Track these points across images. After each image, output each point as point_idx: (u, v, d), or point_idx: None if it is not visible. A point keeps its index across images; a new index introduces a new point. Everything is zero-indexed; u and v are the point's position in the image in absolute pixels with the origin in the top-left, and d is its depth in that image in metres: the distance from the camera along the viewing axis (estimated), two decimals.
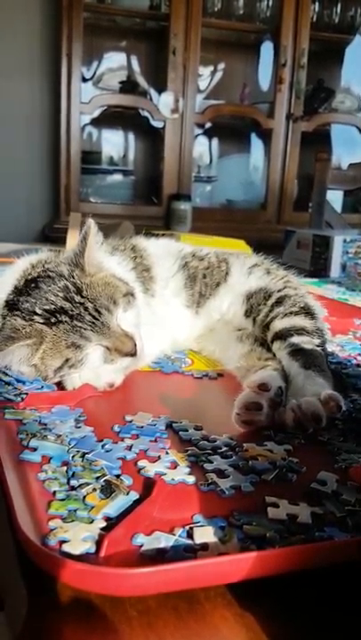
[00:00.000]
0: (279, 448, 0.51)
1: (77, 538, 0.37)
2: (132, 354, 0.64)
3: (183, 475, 0.46)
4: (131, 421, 0.56)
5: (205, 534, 0.39)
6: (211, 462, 0.48)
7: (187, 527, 0.39)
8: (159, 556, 0.36)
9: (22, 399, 0.59)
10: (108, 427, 0.54)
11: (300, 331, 0.70)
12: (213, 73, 3.07)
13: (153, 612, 0.32)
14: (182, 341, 0.82)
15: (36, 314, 0.63)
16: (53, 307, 0.63)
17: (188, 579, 0.34)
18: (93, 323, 0.63)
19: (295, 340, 0.68)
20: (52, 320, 0.63)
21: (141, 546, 0.37)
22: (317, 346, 0.68)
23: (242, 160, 3.19)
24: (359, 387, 0.68)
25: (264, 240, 2.44)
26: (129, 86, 2.90)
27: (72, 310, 0.63)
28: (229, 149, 3.21)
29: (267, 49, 2.97)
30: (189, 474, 0.46)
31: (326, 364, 0.67)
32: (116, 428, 0.54)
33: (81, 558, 0.35)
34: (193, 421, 0.56)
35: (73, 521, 0.39)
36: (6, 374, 0.64)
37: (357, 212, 3.07)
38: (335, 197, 2.83)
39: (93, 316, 0.63)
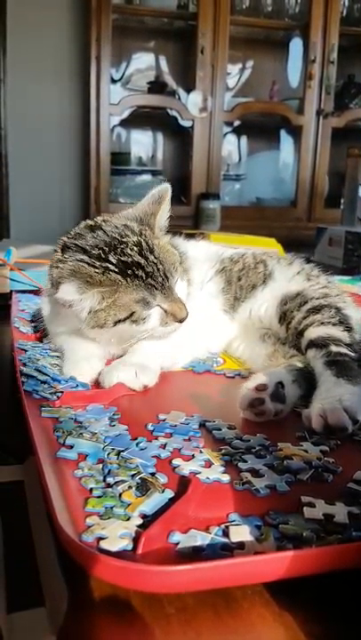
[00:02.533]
0: (315, 448, 0.51)
1: (114, 535, 0.38)
2: (183, 320, 0.68)
3: (218, 473, 0.46)
4: (164, 420, 0.56)
5: (241, 533, 0.39)
6: (245, 461, 0.48)
7: (222, 526, 0.39)
8: (195, 554, 0.37)
9: (58, 397, 0.60)
10: (142, 425, 0.55)
11: (337, 342, 0.68)
12: (242, 71, 3.06)
13: (190, 610, 0.33)
14: (216, 346, 0.81)
15: (111, 263, 0.65)
16: (130, 260, 0.65)
17: (226, 577, 0.34)
18: (162, 284, 0.66)
19: (332, 349, 0.66)
20: (128, 272, 0.65)
21: (177, 544, 0.37)
22: (353, 360, 0.66)
23: (271, 157, 3.17)
24: None
25: (295, 238, 2.43)
26: (157, 86, 2.91)
27: (147, 267, 0.66)
28: (258, 147, 3.20)
29: (296, 45, 2.95)
30: (224, 473, 0.46)
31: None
32: (150, 427, 0.54)
33: (118, 555, 0.36)
34: (226, 421, 0.56)
35: (110, 518, 0.40)
36: (43, 373, 0.65)
37: None
38: None
39: (163, 278, 0.66)
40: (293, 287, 0.79)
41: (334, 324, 0.71)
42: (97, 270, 0.64)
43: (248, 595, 0.34)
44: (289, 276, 0.83)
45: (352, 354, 0.67)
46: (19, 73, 2.83)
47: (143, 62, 2.98)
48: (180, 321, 0.68)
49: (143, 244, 0.67)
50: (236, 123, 2.95)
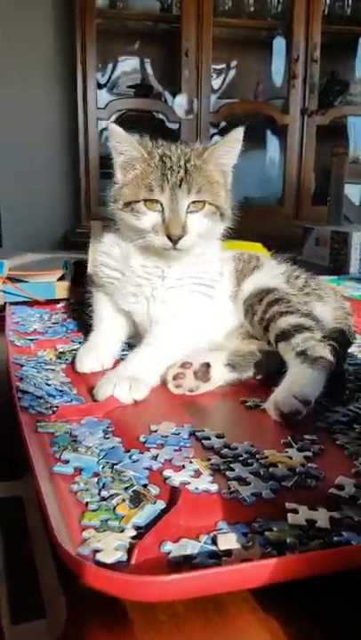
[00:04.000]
0: (298, 455, 0.53)
1: (110, 547, 0.40)
2: (173, 240, 0.72)
3: (206, 483, 0.48)
4: (156, 431, 0.58)
5: (229, 541, 0.41)
6: (232, 470, 0.51)
7: (211, 534, 0.42)
8: (186, 563, 0.39)
9: (53, 412, 0.62)
10: (135, 437, 0.57)
11: (299, 328, 0.72)
12: (227, 71, 3.08)
13: (182, 616, 0.35)
14: (218, 335, 0.83)
15: (157, 148, 0.76)
16: (168, 152, 0.75)
17: (214, 585, 0.36)
18: (173, 186, 0.72)
19: (298, 339, 0.70)
20: (158, 155, 0.74)
21: (169, 553, 0.40)
22: (320, 340, 0.70)
23: (258, 157, 3.19)
24: None
25: (283, 236, 2.45)
26: (143, 89, 2.92)
27: (172, 163, 0.73)
28: (245, 146, 3.20)
29: (279, 45, 2.97)
30: (212, 482, 0.49)
31: (336, 357, 0.70)
32: (142, 438, 0.57)
33: (114, 566, 0.38)
34: (215, 429, 0.59)
35: (105, 531, 0.42)
36: (38, 388, 0.67)
37: None
38: (353, 189, 2.82)
39: (178, 182, 0.72)
40: (269, 283, 0.82)
41: (293, 312, 0.75)
42: (148, 144, 0.77)
43: (236, 600, 0.36)
44: (275, 272, 0.86)
45: (317, 334, 0.71)
46: (4, 79, 2.84)
47: (128, 66, 3.00)
48: (169, 237, 0.72)
49: (186, 154, 0.75)
50: (223, 124, 2.96)
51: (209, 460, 0.53)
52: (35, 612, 0.35)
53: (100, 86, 2.85)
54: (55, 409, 0.63)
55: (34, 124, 2.95)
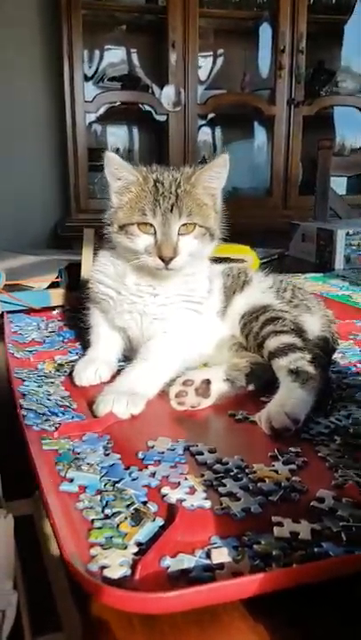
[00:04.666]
0: (284, 468, 0.58)
1: (115, 563, 0.45)
2: (165, 261, 0.77)
3: (200, 500, 0.53)
4: (153, 447, 0.63)
5: (221, 555, 0.46)
6: (224, 485, 0.55)
7: (205, 548, 0.47)
8: (183, 576, 0.44)
9: (56, 428, 0.67)
10: (133, 453, 0.62)
11: (292, 347, 0.77)
12: (214, 62, 3.09)
13: (181, 626, 0.40)
14: (207, 348, 0.88)
15: (152, 173, 0.80)
16: (160, 177, 0.79)
17: (208, 597, 0.41)
18: (165, 211, 0.76)
19: (291, 357, 0.76)
20: (156, 185, 0.78)
21: (168, 567, 0.45)
22: (310, 361, 0.75)
23: (246, 148, 3.22)
24: (357, 398, 0.75)
25: (271, 227, 2.50)
26: (131, 81, 2.93)
27: (164, 189, 0.77)
28: (233, 138, 3.25)
29: (265, 35, 2.98)
30: (206, 498, 0.53)
31: (323, 376, 0.76)
32: (140, 455, 0.61)
33: (119, 581, 0.43)
34: (207, 443, 0.64)
35: (110, 547, 0.47)
36: (40, 404, 0.72)
37: None
38: (339, 180, 2.86)
39: (167, 209, 0.76)
40: (263, 300, 0.88)
41: (287, 332, 0.81)
42: (143, 169, 0.81)
43: (228, 610, 0.41)
44: (263, 287, 0.91)
45: (308, 355, 0.77)
46: None
47: (116, 58, 3.00)
48: (161, 258, 0.76)
49: (177, 179, 0.79)
50: (210, 115, 2.99)
51: (202, 475, 0.57)
52: (52, 626, 0.40)
53: (87, 78, 2.85)
54: (58, 425, 0.67)
55: (22, 117, 2.95)
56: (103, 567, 0.44)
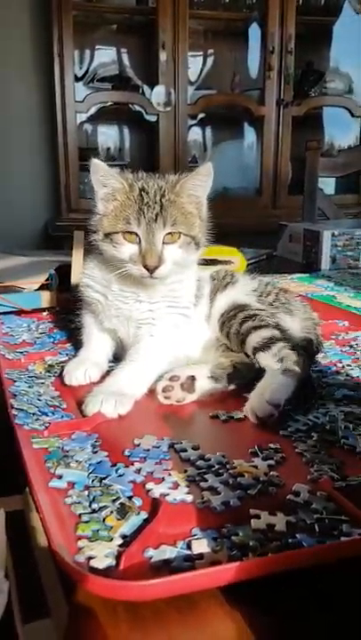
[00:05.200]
0: (263, 463, 0.61)
1: (101, 554, 0.47)
2: (150, 270, 0.78)
3: (183, 494, 0.56)
4: (139, 445, 0.66)
5: (201, 545, 0.49)
6: (206, 480, 0.58)
7: (186, 540, 0.49)
8: (165, 566, 0.47)
9: (46, 427, 0.69)
10: (120, 451, 0.64)
11: (273, 340, 0.81)
12: (204, 63, 3.11)
13: (162, 612, 0.43)
14: (194, 352, 0.90)
15: (138, 181, 0.81)
16: (146, 186, 0.79)
17: (187, 585, 0.44)
18: (150, 221, 0.78)
19: (274, 350, 0.80)
20: (141, 194, 0.78)
21: (151, 558, 0.47)
22: (291, 348, 0.80)
23: (236, 148, 3.26)
24: (336, 396, 0.78)
25: (261, 226, 2.53)
26: (121, 82, 2.95)
27: (148, 199, 0.78)
28: (223, 138, 3.28)
29: (254, 36, 3.01)
30: (188, 493, 0.56)
31: (305, 367, 0.80)
32: (127, 452, 0.64)
33: (105, 571, 0.46)
34: (191, 440, 0.66)
35: (96, 540, 0.49)
36: (31, 404, 0.74)
37: (351, 192, 3.12)
38: (328, 179, 2.89)
39: (152, 219, 0.78)
40: (242, 300, 0.90)
41: (265, 326, 0.84)
42: (129, 176, 0.82)
43: (205, 597, 0.44)
44: (247, 289, 0.94)
45: (288, 344, 0.81)
46: None
47: (106, 58, 3.03)
48: (146, 267, 0.78)
49: (162, 188, 0.80)
50: (200, 115, 3.02)
51: (185, 471, 0.60)
52: (40, 612, 0.43)
53: (77, 79, 2.87)
54: (48, 424, 0.70)
55: (13, 117, 2.97)
56: (90, 558, 0.47)
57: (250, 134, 3.22)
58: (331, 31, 3.12)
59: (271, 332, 0.82)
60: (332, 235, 1.64)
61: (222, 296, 0.91)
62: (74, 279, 1.15)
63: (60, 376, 0.85)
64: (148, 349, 0.82)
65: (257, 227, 2.64)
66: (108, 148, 3.17)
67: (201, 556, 0.48)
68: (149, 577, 0.44)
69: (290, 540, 0.49)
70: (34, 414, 0.72)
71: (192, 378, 0.79)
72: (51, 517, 0.52)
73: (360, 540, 0.49)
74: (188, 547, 0.49)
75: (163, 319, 0.84)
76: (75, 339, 1.00)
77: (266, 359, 0.79)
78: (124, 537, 0.50)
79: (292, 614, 0.44)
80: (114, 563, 0.47)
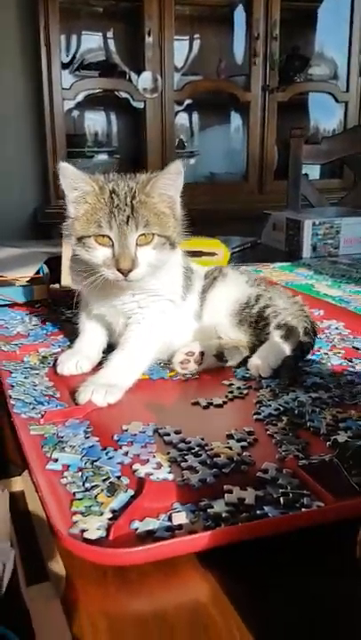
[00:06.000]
0: (237, 445, 0.68)
1: (93, 527, 0.54)
2: (124, 273, 0.79)
3: (165, 473, 0.63)
4: (126, 430, 0.73)
5: (181, 518, 0.56)
6: (186, 461, 0.65)
7: (168, 513, 0.56)
8: (149, 536, 0.54)
9: (42, 416, 0.76)
10: (109, 436, 0.71)
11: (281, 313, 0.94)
12: (189, 49, 3.13)
13: (146, 574, 0.50)
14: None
15: (108, 183, 0.81)
16: (116, 188, 0.80)
17: (168, 551, 0.51)
18: (120, 225, 0.78)
19: (280, 318, 0.94)
20: (111, 196, 0.79)
21: (137, 529, 0.55)
22: (294, 316, 0.95)
23: (222, 133, 3.29)
24: (306, 384, 0.85)
25: (248, 211, 2.59)
26: (108, 69, 2.97)
27: (119, 201, 0.78)
28: (209, 124, 3.31)
29: (240, 21, 3.03)
30: (170, 472, 0.63)
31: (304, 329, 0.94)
32: (116, 437, 0.71)
33: (96, 541, 0.53)
34: (174, 426, 0.73)
35: (89, 515, 0.56)
36: (27, 394, 0.81)
37: (336, 177, 3.18)
38: (313, 165, 2.94)
39: (123, 221, 0.78)
40: (249, 292, 0.98)
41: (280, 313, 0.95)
42: (100, 179, 0.82)
43: (184, 562, 0.51)
44: (241, 281, 1.01)
45: (290, 316, 0.94)
46: None
47: (93, 45, 3.04)
48: (120, 270, 0.78)
49: (132, 189, 0.80)
50: (187, 101, 3.04)
51: (168, 453, 0.67)
52: (41, 577, 0.50)
53: (64, 66, 2.89)
54: (43, 413, 0.77)
55: (0, 105, 2.98)
56: (83, 530, 0.54)
57: (236, 120, 3.25)
58: (316, 15, 3.14)
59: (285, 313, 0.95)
60: (313, 224, 1.70)
61: (221, 291, 0.97)
62: (64, 281, 1.21)
63: (54, 367, 0.92)
64: (137, 340, 0.87)
65: (243, 212, 2.69)
66: (96, 135, 3.20)
67: (180, 526, 0.55)
68: (135, 545, 0.52)
69: (258, 512, 0.56)
70: (30, 403, 0.79)
71: (202, 354, 0.89)
72: (49, 496, 0.59)
73: (318, 511, 0.56)
74: (170, 519, 0.56)
75: (149, 307, 0.88)
76: (66, 330, 1.06)
77: (271, 327, 0.92)
78: (113, 511, 0.57)
79: (259, 577, 0.51)
80: (104, 534, 0.54)
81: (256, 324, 0.94)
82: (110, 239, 0.79)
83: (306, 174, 2.33)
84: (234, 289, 0.99)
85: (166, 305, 0.90)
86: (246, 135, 3.08)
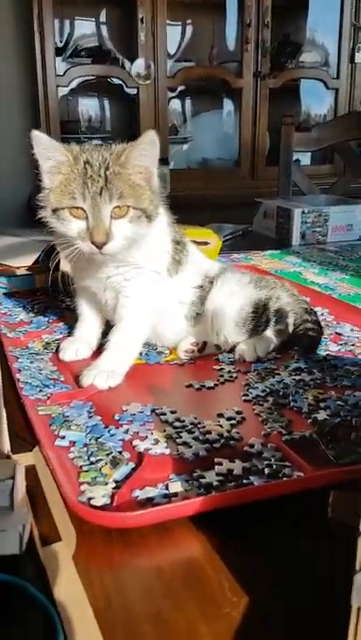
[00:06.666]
0: (227, 423, 0.76)
1: (99, 495, 0.61)
2: (98, 246, 0.78)
3: (162, 448, 0.70)
4: (126, 410, 0.80)
5: (176, 487, 0.63)
6: (180, 437, 0.72)
7: (165, 483, 0.63)
8: (148, 502, 0.61)
9: (48, 397, 0.83)
10: (111, 415, 0.78)
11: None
12: (182, 35, 3.15)
13: (145, 536, 0.57)
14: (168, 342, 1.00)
15: (83, 153, 0.80)
16: (90, 159, 0.78)
17: (164, 514, 0.58)
18: (94, 197, 0.77)
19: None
20: (85, 166, 0.78)
21: (137, 497, 0.62)
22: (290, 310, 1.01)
23: (215, 120, 3.33)
24: (290, 368, 0.92)
25: (241, 197, 2.64)
26: (101, 55, 2.99)
27: (92, 172, 0.77)
28: (202, 110, 3.34)
29: (232, 7, 3.05)
30: (166, 447, 0.70)
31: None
32: (117, 417, 0.78)
33: (102, 507, 0.60)
34: (169, 406, 0.80)
35: (95, 485, 0.63)
36: (34, 378, 0.88)
37: (327, 162, 3.22)
38: (304, 156, 2.99)
39: (97, 192, 0.77)
40: (259, 295, 0.98)
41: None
42: (75, 148, 0.81)
43: (178, 524, 0.59)
44: (244, 282, 1.00)
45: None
46: None
47: (86, 32, 3.05)
48: (94, 243, 0.78)
49: (106, 160, 0.78)
50: (180, 88, 3.07)
51: (164, 430, 0.74)
52: (54, 538, 0.57)
53: (58, 53, 2.91)
54: (49, 395, 0.83)
55: None
56: (90, 498, 0.61)
57: (228, 106, 3.29)
58: (307, 2, 3.17)
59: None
60: (303, 212, 1.76)
61: (225, 295, 0.97)
62: (63, 268, 1.26)
63: (57, 352, 0.98)
64: (130, 319, 0.90)
65: (236, 197, 2.75)
66: (90, 121, 3.22)
67: (176, 494, 0.62)
68: (136, 510, 0.59)
69: (244, 481, 0.64)
70: (37, 386, 0.86)
71: (205, 343, 0.97)
72: (58, 469, 0.66)
73: (298, 480, 0.64)
74: (167, 487, 0.63)
75: (134, 279, 0.88)
76: (67, 318, 1.12)
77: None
78: (116, 482, 0.64)
79: (244, 537, 0.59)
80: (109, 501, 0.61)
81: (266, 324, 0.97)
82: (84, 211, 0.78)
83: (297, 160, 2.38)
84: (238, 296, 0.97)
85: (152, 276, 0.90)
86: (238, 121, 3.12)
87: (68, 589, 0.51)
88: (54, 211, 0.80)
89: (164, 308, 0.96)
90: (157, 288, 0.92)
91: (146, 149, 0.80)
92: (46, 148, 0.80)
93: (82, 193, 0.77)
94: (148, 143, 0.80)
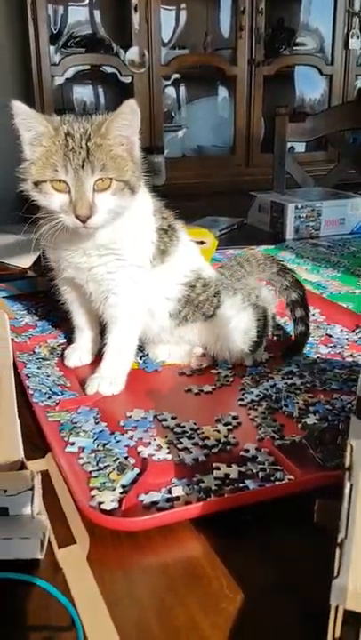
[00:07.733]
0: (223, 428, 0.82)
1: (108, 500, 0.68)
2: (82, 220, 0.78)
3: (165, 454, 0.76)
4: (130, 416, 0.85)
5: (178, 491, 0.69)
6: (181, 443, 0.78)
7: (168, 487, 0.69)
8: (153, 506, 0.67)
9: (56, 404, 0.89)
10: (116, 422, 0.84)
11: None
12: (176, 22, 3.15)
13: (151, 538, 0.63)
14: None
15: (63, 124, 0.79)
16: (71, 130, 0.77)
17: (168, 518, 0.64)
18: (76, 169, 0.76)
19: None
20: (66, 138, 0.77)
21: (143, 501, 0.68)
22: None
23: (209, 107, 3.34)
24: (282, 372, 0.97)
25: (236, 185, 2.68)
26: (95, 44, 2.99)
27: (74, 144, 0.76)
28: (197, 97, 3.35)
29: None
30: (168, 453, 0.76)
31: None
32: (122, 423, 0.83)
33: (111, 512, 0.66)
34: (170, 412, 0.86)
35: (104, 490, 0.69)
36: (42, 384, 0.93)
37: (321, 149, 3.25)
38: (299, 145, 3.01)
39: (79, 165, 0.76)
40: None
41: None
42: (56, 119, 0.80)
43: (181, 526, 0.65)
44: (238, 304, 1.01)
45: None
46: None
47: (80, 19, 3.05)
48: (78, 217, 0.77)
49: (87, 131, 0.77)
50: (175, 76, 3.08)
51: (166, 436, 0.80)
52: (69, 541, 0.63)
53: (52, 42, 2.91)
54: (58, 401, 0.89)
55: None
56: (100, 503, 0.67)
57: (223, 93, 3.30)
58: None
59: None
60: (296, 207, 1.81)
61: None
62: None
63: (62, 357, 1.04)
64: (121, 325, 0.93)
65: (231, 185, 2.79)
66: (84, 109, 3.23)
67: (178, 498, 0.68)
68: (142, 514, 0.65)
69: (240, 485, 0.70)
70: (46, 393, 0.91)
71: (203, 354, 1.01)
72: (70, 475, 0.72)
73: (289, 483, 0.70)
74: (169, 492, 0.69)
75: (117, 272, 0.88)
76: (69, 321, 1.17)
77: None
78: (123, 487, 0.70)
79: (241, 537, 0.65)
80: (117, 505, 0.67)
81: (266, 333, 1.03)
82: (67, 184, 0.78)
83: (292, 147, 2.41)
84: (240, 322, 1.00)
85: (135, 272, 0.90)
86: (233, 108, 3.14)
87: (84, 588, 0.58)
88: (36, 184, 0.79)
89: (150, 301, 0.95)
90: (143, 282, 0.91)
91: (127, 119, 0.79)
92: (26, 118, 0.79)
93: (64, 166, 0.77)
94: (129, 112, 0.79)
